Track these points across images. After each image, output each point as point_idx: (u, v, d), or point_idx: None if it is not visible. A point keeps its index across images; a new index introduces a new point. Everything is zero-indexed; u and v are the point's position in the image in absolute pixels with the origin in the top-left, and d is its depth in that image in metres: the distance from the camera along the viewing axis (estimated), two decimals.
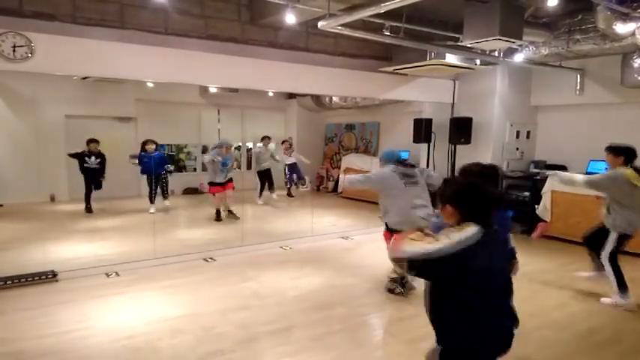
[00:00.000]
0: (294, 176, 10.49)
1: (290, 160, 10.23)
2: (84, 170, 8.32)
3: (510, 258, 2.25)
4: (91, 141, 8.37)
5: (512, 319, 2.04)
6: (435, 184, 4.57)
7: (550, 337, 3.58)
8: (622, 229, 4.17)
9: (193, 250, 5.84)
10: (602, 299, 4.37)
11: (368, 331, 3.95)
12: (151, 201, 8.39)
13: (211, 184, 7.82)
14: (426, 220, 4.24)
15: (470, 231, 1.85)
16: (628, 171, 4.05)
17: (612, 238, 4.21)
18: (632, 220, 4.14)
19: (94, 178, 8.39)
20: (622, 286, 4.23)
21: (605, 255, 4.25)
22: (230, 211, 7.99)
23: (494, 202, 1.97)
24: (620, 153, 4.14)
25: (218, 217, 7.85)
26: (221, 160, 7.63)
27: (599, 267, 4.45)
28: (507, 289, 2.04)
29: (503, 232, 2.65)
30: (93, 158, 8.32)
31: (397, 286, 4.49)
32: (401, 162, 4.58)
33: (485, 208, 1.93)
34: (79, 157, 8.30)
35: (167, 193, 8.62)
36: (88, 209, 8.37)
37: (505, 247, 2.06)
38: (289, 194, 10.58)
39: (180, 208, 9.01)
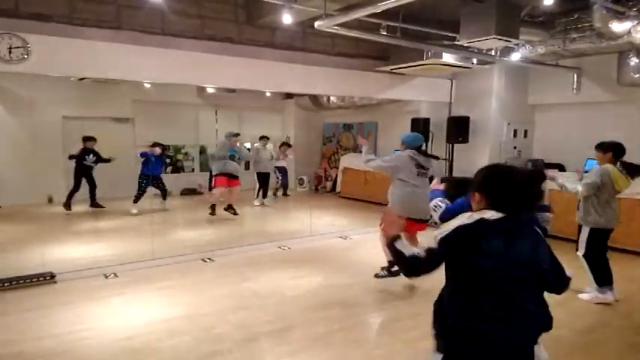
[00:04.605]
0: (280, 182, 10.47)
1: (281, 163, 10.19)
2: (82, 168, 8.27)
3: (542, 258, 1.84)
4: (88, 139, 8.32)
5: (530, 329, 1.79)
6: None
7: (549, 335, 3.58)
8: (595, 223, 4.20)
9: (192, 250, 5.84)
10: (580, 295, 4.36)
11: (367, 331, 3.95)
12: (136, 201, 8.29)
13: (219, 174, 7.70)
14: (435, 210, 4.30)
15: (488, 213, 1.75)
16: (614, 169, 4.13)
17: (585, 232, 4.26)
18: (607, 214, 4.18)
19: (88, 176, 8.35)
20: (606, 281, 4.27)
21: (581, 253, 4.28)
22: (230, 206, 7.89)
23: (524, 189, 1.80)
24: (608, 149, 4.21)
25: (213, 212, 7.77)
26: (230, 149, 7.65)
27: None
28: (528, 291, 1.76)
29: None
30: (91, 156, 8.31)
31: (385, 273, 4.69)
32: (422, 151, 4.67)
33: (514, 195, 1.77)
34: (79, 156, 8.26)
35: (165, 195, 8.63)
36: (69, 206, 8.20)
37: (534, 242, 1.79)
38: (275, 194, 10.50)
39: (178, 208, 9.00)
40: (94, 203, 8.49)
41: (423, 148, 4.80)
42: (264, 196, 9.59)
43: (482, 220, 1.75)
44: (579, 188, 4.20)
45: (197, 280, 4.94)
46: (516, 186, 1.79)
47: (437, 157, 4.86)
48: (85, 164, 8.29)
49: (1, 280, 4.57)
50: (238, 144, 8.04)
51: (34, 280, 4.68)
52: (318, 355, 3.33)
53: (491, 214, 1.75)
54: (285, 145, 10.38)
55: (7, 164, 8.86)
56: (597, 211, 4.18)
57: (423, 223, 4.56)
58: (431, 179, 4.90)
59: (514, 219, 1.77)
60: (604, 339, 3.67)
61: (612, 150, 4.20)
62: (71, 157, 8.35)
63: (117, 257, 5.52)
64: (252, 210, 9.14)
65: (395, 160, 4.65)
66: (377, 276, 4.80)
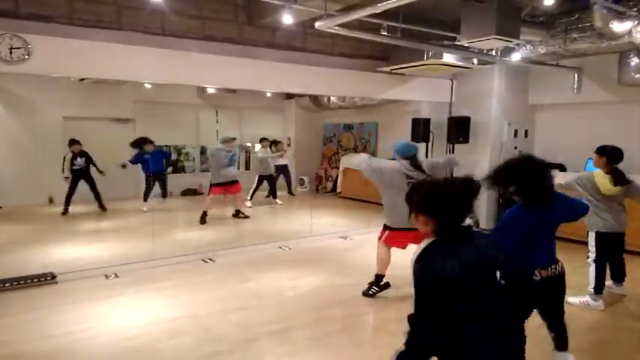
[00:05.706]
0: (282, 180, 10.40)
1: (281, 162, 10.11)
2: (74, 173, 8.26)
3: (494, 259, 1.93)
4: (72, 143, 8.20)
5: (514, 338, 1.91)
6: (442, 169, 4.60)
7: (548, 336, 3.58)
8: (597, 227, 4.15)
9: (192, 251, 5.84)
10: (570, 299, 4.09)
11: (368, 331, 3.95)
12: (145, 199, 8.48)
13: (213, 184, 7.67)
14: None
15: (421, 246, 1.85)
16: (598, 174, 4.08)
17: (591, 237, 4.19)
18: (609, 218, 4.12)
19: (81, 178, 8.32)
20: (601, 289, 4.20)
21: (591, 259, 4.22)
22: (239, 211, 8.00)
23: (465, 201, 1.84)
24: (603, 153, 4.15)
25: (203, 220, 7.58)
26: (228, 156, 7.57)
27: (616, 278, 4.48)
28: (499, 301, 1.87)
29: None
30: (79, 159, 8.25)
31: (372, 288, 4.50)
32: (416, 164, 4.36)
33: (458, 210, 1.82)
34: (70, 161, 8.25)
35: (165, 193, 8.67)
36: (66, 211, 8.21)
37: (486, 246, 1.88)
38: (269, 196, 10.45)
39: (179, 209, 9.01)
40: (100, 205, 8.52)
41: (418, 156, 4.47)
42: (274, 196, 9.64)
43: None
44: (556, 182, 4.10)
45: (197, 280, 4.94)
46: (458, 199, 1.81)
47: (423, 170, 4.35)
48: (75, 168, 8.23)
49: (2, 280, 4.58)
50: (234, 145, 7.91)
51: (34, 280, 4.68)
52: (318, 356, 3.33)
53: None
54: (279, 144, 10.28)
55: (8, 165, 8.89)
56: (600, 215, 4.11)
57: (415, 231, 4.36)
58: None
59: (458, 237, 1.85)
60: (604, 339, 3.67)
61: (606, 155, 4.13)
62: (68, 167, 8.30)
63: (117, 257, 5.52)
64: (252, 210, 9.12)
65: (379, 169, 4.35)
66: (366, 294, 4.48)
